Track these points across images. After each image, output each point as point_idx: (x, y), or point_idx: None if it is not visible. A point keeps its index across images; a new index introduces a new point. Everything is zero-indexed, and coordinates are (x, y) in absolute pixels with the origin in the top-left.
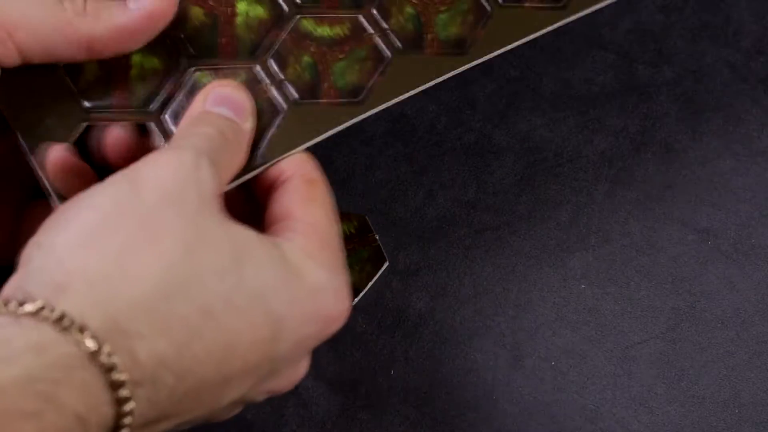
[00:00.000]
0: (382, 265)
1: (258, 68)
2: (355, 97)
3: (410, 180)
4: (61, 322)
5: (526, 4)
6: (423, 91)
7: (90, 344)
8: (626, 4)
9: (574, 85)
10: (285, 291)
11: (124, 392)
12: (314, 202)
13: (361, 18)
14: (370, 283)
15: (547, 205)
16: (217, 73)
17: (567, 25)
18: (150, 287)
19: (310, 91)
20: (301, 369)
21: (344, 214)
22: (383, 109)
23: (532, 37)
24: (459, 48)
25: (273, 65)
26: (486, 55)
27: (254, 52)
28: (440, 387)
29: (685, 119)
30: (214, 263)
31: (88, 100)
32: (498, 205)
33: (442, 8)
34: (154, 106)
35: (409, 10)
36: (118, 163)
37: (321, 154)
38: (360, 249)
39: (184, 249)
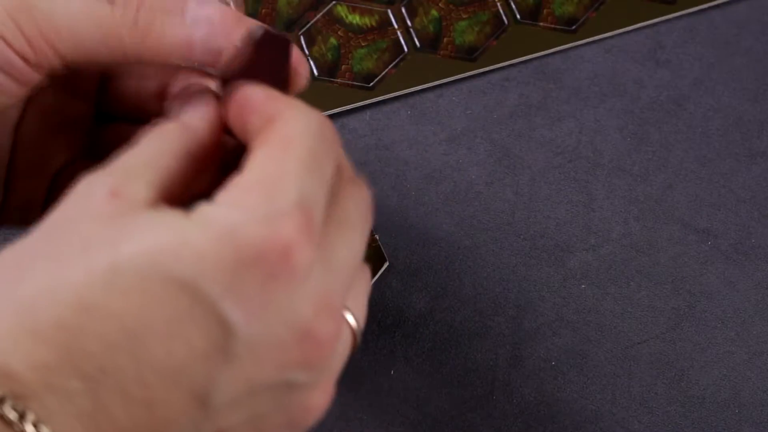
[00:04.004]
0: (382, 266)
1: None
2: (367, 82)
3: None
4: None
5: (541, 24)
6: (425, 89)
7: None
8: None
9: (574, 85)
10: (182, 246)
11: (5, 409)
12: (265, 142)
13: (390, 13)
14: (370, 283)
15: (547, 204)
16: None
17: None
18: (11, 310)
19: (328, 70)
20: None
21: None
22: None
23: (538, 54)
24: (470, 54)
25: (302, 41)
26: (492, 65)
27: (289, 26)
28: (440, 387)
29: (685, 119)
30: (79, 256)
31: None
32: (498, 204)
33: (464, 16)
34: None
35: (434, 13)
36: None
37: None
38: None
39: (45, 259)
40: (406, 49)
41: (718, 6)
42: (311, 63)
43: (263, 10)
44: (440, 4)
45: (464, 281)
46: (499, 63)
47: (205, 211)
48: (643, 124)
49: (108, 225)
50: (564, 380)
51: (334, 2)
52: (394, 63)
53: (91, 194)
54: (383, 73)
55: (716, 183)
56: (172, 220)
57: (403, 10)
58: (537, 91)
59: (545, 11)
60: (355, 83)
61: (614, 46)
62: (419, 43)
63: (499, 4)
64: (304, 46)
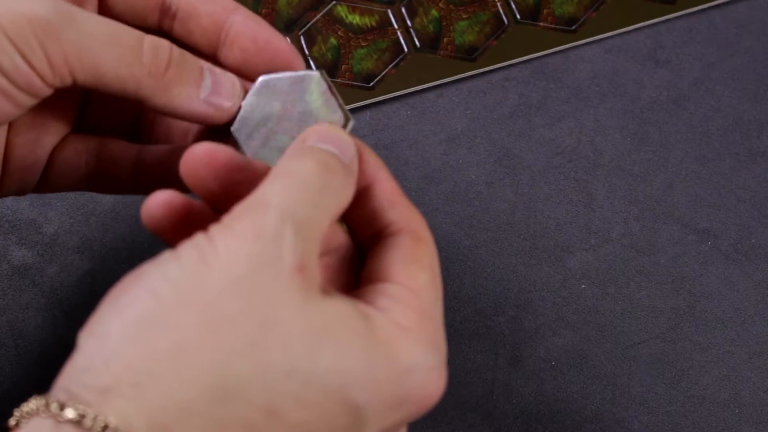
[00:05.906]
0: None
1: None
2: (367, 82)
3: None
4: None
5: (541, 24)
6: (428, 88)
7: None
8: None
9: (574, 85)
10: (369, 376)
11: None
12: (419, 264)
13: (390, 13)
14: None
15: (547, 204)
16: None
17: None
18: (205, 388)
19: (328, 70)
20: None
21: None
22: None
23: (538, 54)
24: (469, 54)
25: (302, 41)
26: (492, 65)
27: (289, 26)
28: None
29: (685, 119)
30: (282, 360)
31: None
32: (498, 204)
33: (464, 16)
34: None
35: (434, 13)
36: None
37: None
38: None
39: (247, 344)
40: (406, 49)
41: (718, 6)
42: (311, 63)
43: (263, 10)
44: (440, 4)
45: (464, 281)
46: (499, 63)
47: (387, 331)
48: (643, 124)
49: (303, 319)
50: (564, 380)
51: (334, 2)
52: (394, 63)
53: (280, 257)
54: (383, 73)
55: (716, 183)
56: (361, 335)
57: (403, 10)
58: (537, 91)
59: (545, 11)
60: (355, 83)
61: (614, 46)
62: (419, 43)
63: (499, 4)
64: (304, 46)
